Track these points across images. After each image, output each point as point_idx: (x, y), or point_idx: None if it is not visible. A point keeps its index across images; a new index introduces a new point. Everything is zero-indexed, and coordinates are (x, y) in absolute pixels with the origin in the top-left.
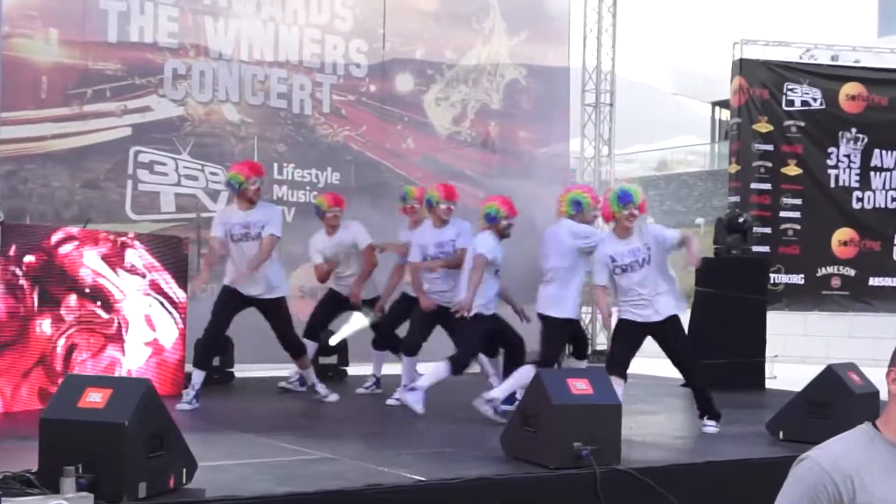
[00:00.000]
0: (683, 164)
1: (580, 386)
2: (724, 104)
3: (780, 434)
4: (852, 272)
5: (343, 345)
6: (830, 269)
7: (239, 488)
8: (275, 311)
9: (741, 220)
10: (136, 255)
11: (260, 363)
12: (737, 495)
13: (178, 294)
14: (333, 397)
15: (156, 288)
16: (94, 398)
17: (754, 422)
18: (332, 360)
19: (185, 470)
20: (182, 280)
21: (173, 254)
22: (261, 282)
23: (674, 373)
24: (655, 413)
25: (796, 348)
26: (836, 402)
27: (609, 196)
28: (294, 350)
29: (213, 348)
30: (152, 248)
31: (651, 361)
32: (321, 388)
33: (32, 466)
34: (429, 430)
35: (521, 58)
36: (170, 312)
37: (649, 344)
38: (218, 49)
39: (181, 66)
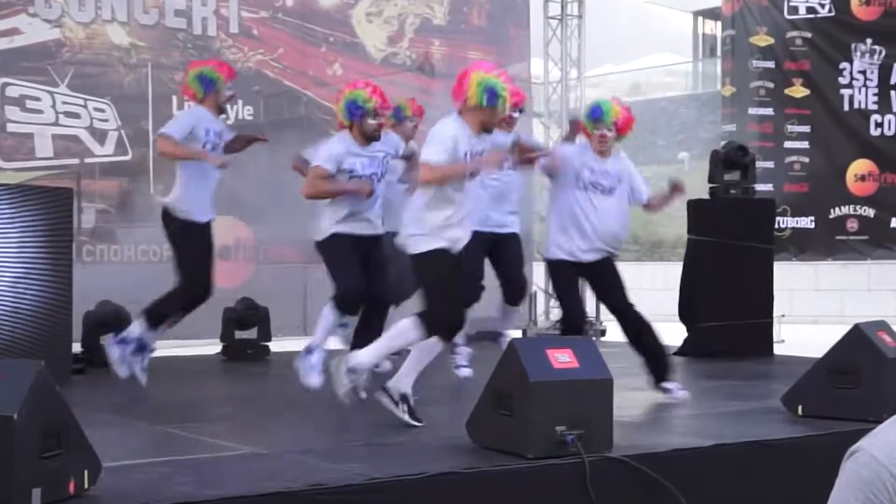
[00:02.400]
0: (661, 88)
1: (563, 358)
2: (708, 14)
3: (800, 409)
4: (871, 212)
5: (264, 315)
6: (845, 210)
7: (153, 493)
8: None
9: (741, 152)
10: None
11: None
12: (751, 483)
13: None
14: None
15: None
16: None
17: (766, 395)
18: (252, 334)
19: (87, 472)
20: (65, 243)
21: (55, 210)
22: None
23: (665, 340)
24: (648, 389)
25: (806, 306)
26: (865, 368)
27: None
28: None
29: None
30: (25, 202)
31: None
32: None
33: None
34: (378, 416)
35: None
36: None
37: (640, 307)
38: None
39: None
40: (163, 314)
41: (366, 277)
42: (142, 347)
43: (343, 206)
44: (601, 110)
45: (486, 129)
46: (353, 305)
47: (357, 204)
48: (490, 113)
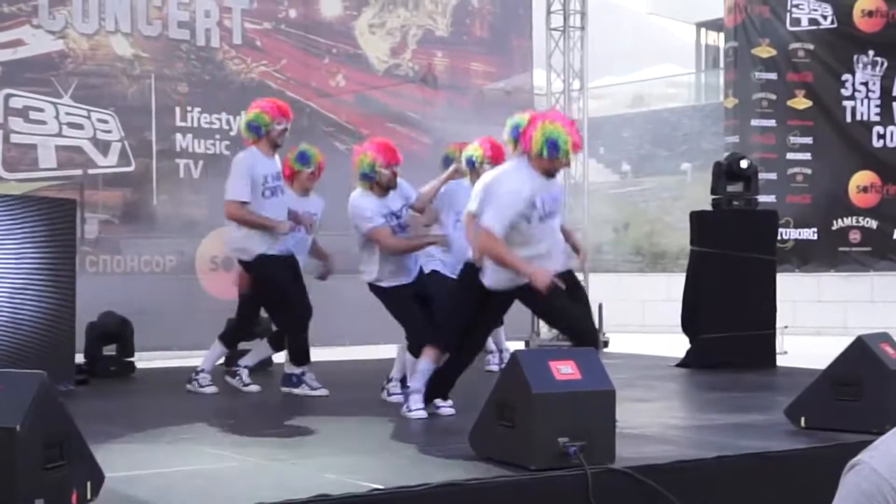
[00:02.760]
0: (663, 99)
1: (565, 370)
2: (711, 25)
3: (802, 421)
4: (874, 224)
5: (267, 326)
6: (848, 221)
7: None
8: None
9: (743, 164)
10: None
11: (163, 350)
12: (754, 495)
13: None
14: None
15: (33, 264)
16: None
17: (769, 407)
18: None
19: (89, 483)
20: (69, 253)
21: (59, 221)
22: None
23: (667, 351)
24: (651, 400)
25: (809, 317)
26: (867, 380)
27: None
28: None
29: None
30: (28, 213)
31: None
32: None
33: None
34: (378, 425)
35: None
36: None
37: (635, 317)
38: None
39: None
40: (303, 349)
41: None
42: (299, 382)
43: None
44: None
45: (548, 174)
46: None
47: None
48: (550, 163)
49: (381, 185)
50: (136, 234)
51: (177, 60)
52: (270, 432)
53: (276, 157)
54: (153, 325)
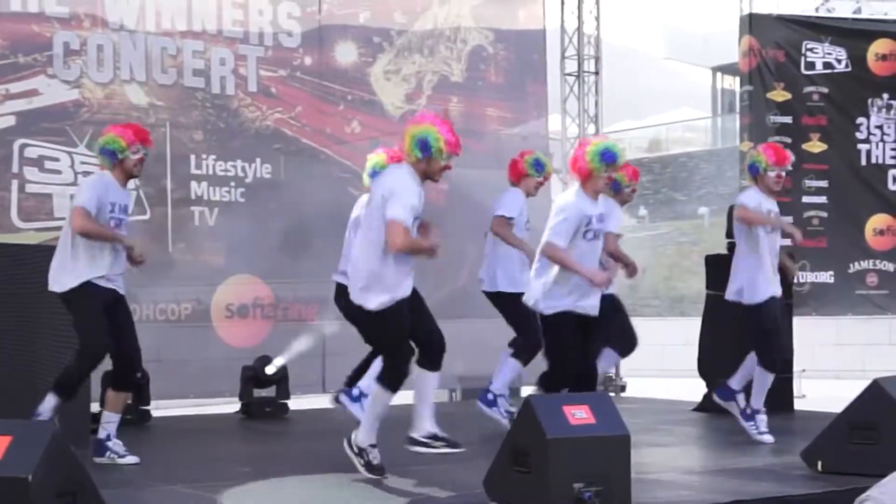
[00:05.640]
0: (680, 143)
1: (579, 414)
2: (726, 69)
3: (819, 465)
4: (891, 267)
5: (283, 374)
6: (865, 264)
7: None
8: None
9: None
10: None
11: (180, 398)
12: None
13: None
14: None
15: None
16: None
17: (786, 451)
18: (271, 392)
19: None
20: None
21: None
22: None
23: (684, 395)
24: (668, 445)
25: (827, 360)
26: (884, 424)
27: (590, 150)
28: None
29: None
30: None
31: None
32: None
33: None
34: (392, 469)
35: (486, 20)
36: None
37: (653, 361)
38: (119, 18)
39: (74, 39)
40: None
41: None
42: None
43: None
44: (614, 153)
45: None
46: None
47: None
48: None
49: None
50: (151, 282)
51: (192, 108)
52: (286, 482)
53: (128, 190)
54: (169, 373)
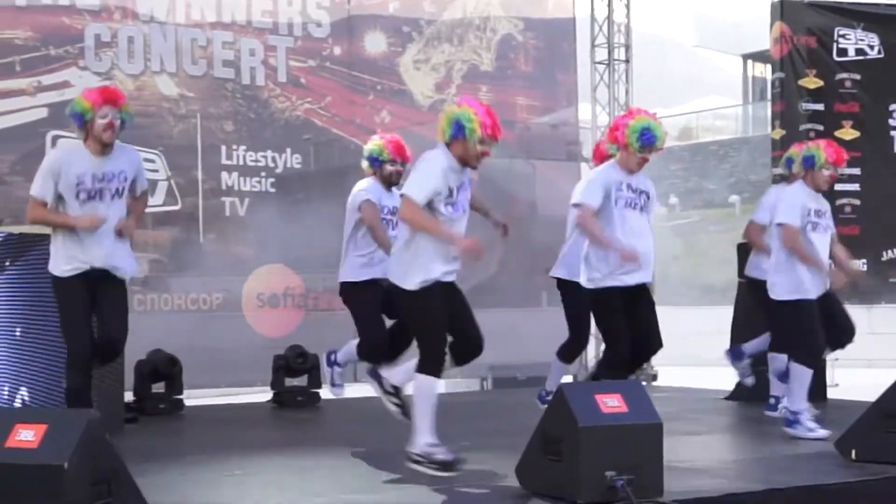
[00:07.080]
0: (711, 131)
1: (611, 403)
2: (757, 57)
3: (853, 454)
4: None
5: (314, 362)
6: None
7: None
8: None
9: None
10: None
11: (211, 388)
12: None
13: None
14: None
15: None
16: (26, 436)
17: (819, 440)
18: (302, 381)
19: None
20: None
21: None
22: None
23: (715, 384)
24: (700, 433)
25: (860, 349)
26: None
27: (632, 124)
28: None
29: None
30: None
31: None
32: None
33: None
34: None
35: (516, 8)
36: None
37: (684, 350)
38: (149, 10)
39: (105, 31)
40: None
41: None
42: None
43: None
44: (654, 135)
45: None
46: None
47: None
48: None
49: None
50: (183, 272)
51: (222, 99)
52: (317, 469)
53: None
54: (201, 362)
